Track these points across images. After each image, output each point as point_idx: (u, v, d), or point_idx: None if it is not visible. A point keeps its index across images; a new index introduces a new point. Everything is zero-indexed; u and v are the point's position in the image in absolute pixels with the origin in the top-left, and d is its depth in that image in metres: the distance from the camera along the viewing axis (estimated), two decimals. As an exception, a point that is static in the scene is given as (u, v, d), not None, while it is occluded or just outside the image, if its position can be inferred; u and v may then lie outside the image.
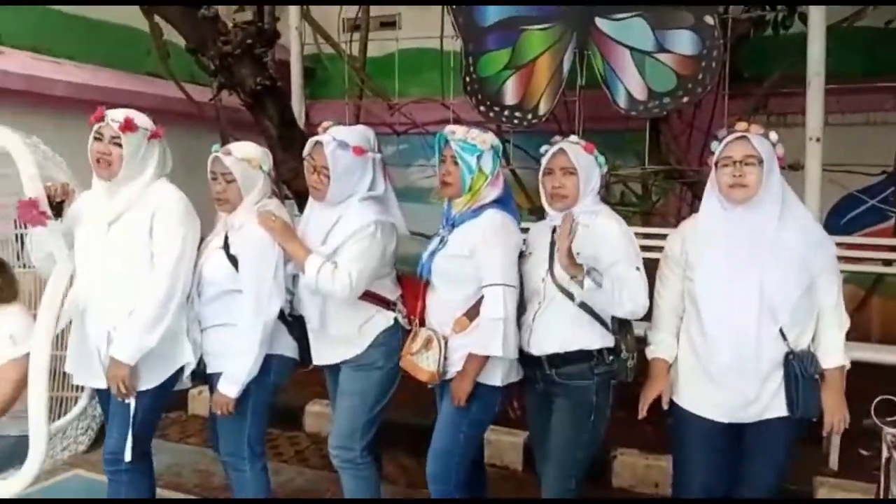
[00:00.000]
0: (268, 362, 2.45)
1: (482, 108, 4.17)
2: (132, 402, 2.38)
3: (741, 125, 2.19)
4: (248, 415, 2.48)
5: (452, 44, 4.46)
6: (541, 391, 2.44)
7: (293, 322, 2.54)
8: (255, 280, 2.38)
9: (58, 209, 2.41)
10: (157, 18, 4.42)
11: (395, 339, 2.51)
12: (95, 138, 2.38)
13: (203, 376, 2.58)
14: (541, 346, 2.37)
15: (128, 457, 2.40)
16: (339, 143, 2.39)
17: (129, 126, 2.36)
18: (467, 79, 4.19)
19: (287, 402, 3.66)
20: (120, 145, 2.36)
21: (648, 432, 3.63)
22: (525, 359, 2.44)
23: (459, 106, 4.44)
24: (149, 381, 2.43)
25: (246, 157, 2.46)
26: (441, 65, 4.48)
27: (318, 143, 2.42)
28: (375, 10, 5.31)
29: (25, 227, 2.76)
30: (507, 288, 2.32)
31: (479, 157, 2.39)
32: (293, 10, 4.67)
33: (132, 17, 5.11)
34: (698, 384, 2.27)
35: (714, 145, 2.23)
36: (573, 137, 2.42)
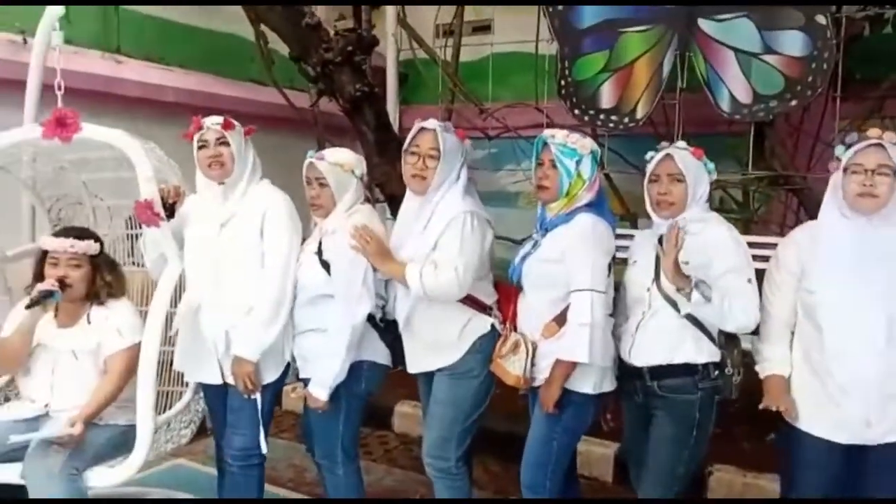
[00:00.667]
0: (359, 368, 2.47)
1: (577, 111, 4.10)
2: (258, 397, 2.46)
3: (874, 132, 2.06)
4: (341, 419, 2.52)
5: (547, 47, 4.43)
6: (640, 403, 2.38)
7: (385, 327, 2.56)
8: (345, 285, 2.42)
9: (170, 210, 2.52)
10: (262, 27, 4.57)
11: (491, 345, 2.48)
12: (200, 147, 2.50)
13: (297, 378, 2.64)
14: (643, 356, 2.31)
15: (264, 449, 2.50)
16: (443, 126, 2.45)
17: (229, 124, 2.50)
18: (562, 82, 4.14)
19: (376, 402, 3.71)
20: (227, 143, 2.47)
21: (746, 449, 3.48)
22: (624, 369, 2.38)
23: (553, 110, 4.39)
24: (269, 376, 2.52)
25: (339, 161, 2.51)
26: (535, 68, 4.44)
27: (422, 128, 2.46)
28: (469, 15, 5.32)
29: (140, 227, 2.94)
30: (596, 293, 2.27)
31: (578, 162, 2.36)
32: (390, 17, 4.75)
33: (237, 26, 5.34)
34: (815, 402, 2.15)
35: (840, 150, 2.11)
36: (680, 143, 2.35)
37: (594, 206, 2.38)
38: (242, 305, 2.46)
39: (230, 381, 2.50)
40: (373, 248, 2.41)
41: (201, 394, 2.72)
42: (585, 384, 2.32)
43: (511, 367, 2.37)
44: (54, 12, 2.68)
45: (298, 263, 2.50)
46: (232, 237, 2.48)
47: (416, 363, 2.56)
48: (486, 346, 2.49)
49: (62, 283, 2.44)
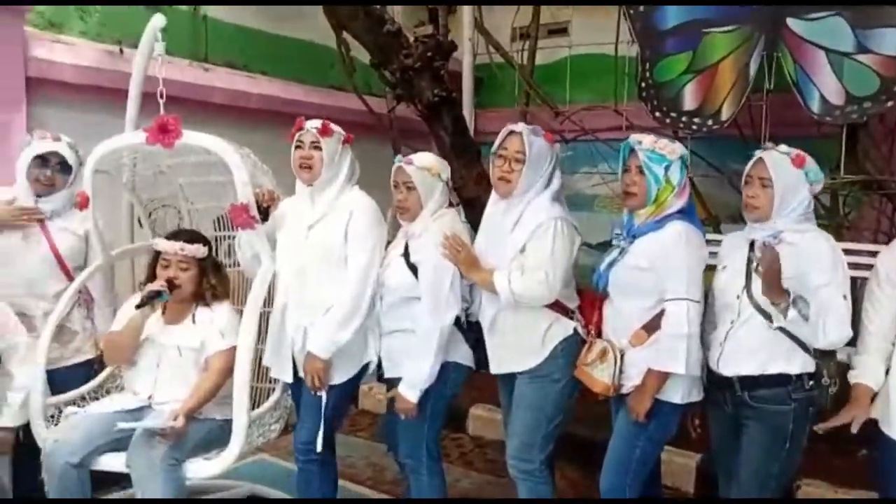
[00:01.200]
0: (445, 369, 2.50)
1: (658, 113, 4.04)
2: (324, 394, 2.53)
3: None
4: (427, 419, 2.55)
5: (627, 49, 4.38)
6: (729, 413, 2.33)
7: (468, 329, 2.59)
8: (433, 288, 2.45)
9: (264, 214, 2.62)
10: (345, 35, 4.67)
11: (573, 350, 2.48)
12: (297, 146, 2.58)
13: (381, 378, 2.69)
14: (732, 366, 2.26)
15: (318, 447, 2.56)
16: (532, 129, 2.46)
17: (326, 131, 2.56)
18: (643, 84, 4.09)
19: (452, 404, 3.75)
20: (319, 149, 2.55)
21: (837, 463, 3.36)
22: (712, 378, 2.34)
23: (633, 112, 4.34)
24: (339, 376, 2.57)
25: (426, 166, 2.55)
26: (615, 70, 4.40)
27: (511, 132, 2.48)
28: (545, 18, 5.31)
29: (227, 229, 3.06)
30: (692, 303, 2.24)
31: (666, 168, 2.33)
32: (466, 22, 4.77)
33: (318, 34, 5.47)
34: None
35: None
36: (782, 147, 2.28)
37: (685, 213, 2.35)
38: (323, 306, 2.53)
39: (302, 376, 2.58)
40: (463, 257, 2.45)
41: (289, 391, 2.80)
42: (674, 394, 2.30)
43: (599, 375, 2.36)
44: (156, 23, 2.82)
45: (385, 265, 2.56)
46: (318, 239, 2.55)
47: (498, 365, 2.57)
48: (569, 350, 2.48)
49: (171, 284, 2.57)
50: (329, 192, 2.58)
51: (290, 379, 2.61)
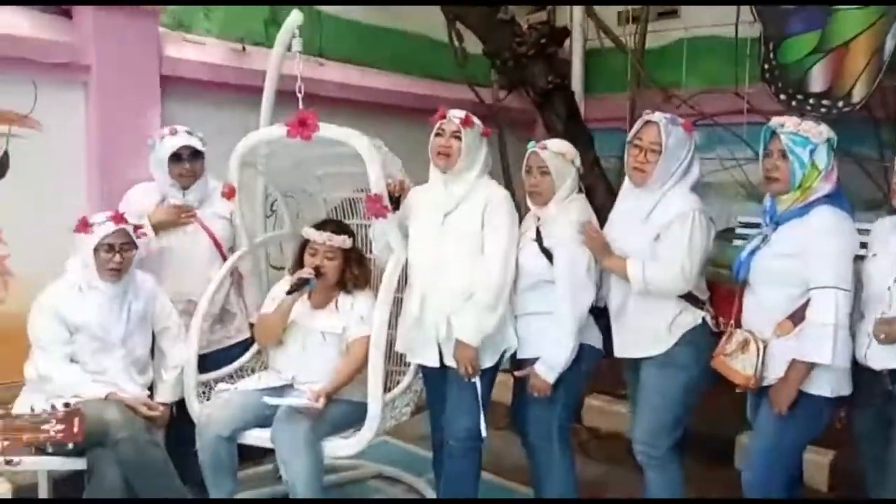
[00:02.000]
0: (579, 352, 2.52)
1: (783, 96, 3.90)
2: (477, 380, 2.58)
3: None
4: (560, 401, 2.58)
5: (748, 30, 4.22)
6: (878, 408, 2.24)
7: (598, 313, 2.60)
8: (569, 273, 2.47)
9: (396, 203, 2.70)
10: (458, 25, 4.71)
11: (702, 338, 2.46)
12: (437, 134, 2.64)
13: (513, 363, 2.72)
14: (882, 359, 2.18)
15: (484, 433, 2.61)
16: (670, 119, 2.43)
17: (468, 122, 2.61)
18: (766, 65, 3.95)
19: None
20: (459, 139, 2.59)
21: None
22: (860, 371, 2.25)
23: (754, 95, 4.19)
24: (488, 361, 2.63)
25: (561, 151, 2.59)
26: (736, 52, 4.26)
27: (647, 121, 2.46)
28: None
29: (366, 219, 3.15)
30: (840, 291, 2.16)
31: (812, 151, 2.26)
32: (577, 7, 4.71)
33: (426, 26, 5.55)
34: None
35: None
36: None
37: (833, 198, 2.27)
38: (462, 292, 2.58)
39: (448, 363, 2.63)
40: (598, 243, 2.47)
41: (420, 375, 2.87)
42: (822, 387, 2.23)
43: (739, 366, 2.32)
44: (294, 20, 2.93)
45: (518, 249, 2.59)
46: (455, 227, 2.60)
47: (623, 349, 2.58)
48: (697, 339, 2.46)
49: (318, 272, 2.70)
50: (464, 181, 2.62)
51: (436, 364, 2.66)
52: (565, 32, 4.12)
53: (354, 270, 2.80)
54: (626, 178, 2.54)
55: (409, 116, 5.02)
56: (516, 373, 2.66)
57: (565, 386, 2.56)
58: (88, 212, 3.81)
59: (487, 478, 3.42)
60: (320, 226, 2.82)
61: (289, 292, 2.68)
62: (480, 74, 5.47)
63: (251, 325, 3.06)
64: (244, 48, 4.54)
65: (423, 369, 2.79)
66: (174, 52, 4.18)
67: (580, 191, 2.66)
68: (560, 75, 3.98)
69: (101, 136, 3.87)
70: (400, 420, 2.88)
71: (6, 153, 3.68)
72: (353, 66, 5.20)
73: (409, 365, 2.87)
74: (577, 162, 2.62)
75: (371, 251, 2.98)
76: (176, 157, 2.96)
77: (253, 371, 3.04)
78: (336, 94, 4.90)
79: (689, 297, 2.46)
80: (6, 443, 1.76)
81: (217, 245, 3.03)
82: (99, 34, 3.79)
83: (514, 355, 2.69)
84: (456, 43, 4.90)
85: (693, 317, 2.47)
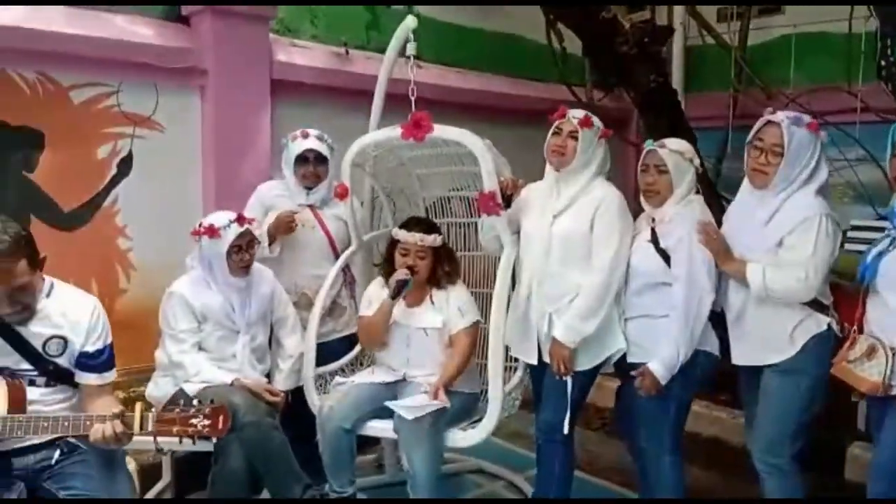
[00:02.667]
0: (695, 357, 2.48)
1: (902, 94, 3.71)
2: (569, 380, 2.60)
3: None
4: (673, 406, 2.56)
5: (861, 25, 4.06)
6: None
7: (715, 318, 2.55)
8: (689, 274, 2.44)
9: (507, 201, 2.73)
10: (559, 26, 4.72)
11: (826, 345, 2.39)
12: (554, 133, 2.66)
13: (618, 367, 2.70)
14: None
15: (566, 430, 2.64)
16: (793, 119, 2.36)
17: (586, 122, 2.61)
18: (882, 62, 3.76)
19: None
20: (576, 139, 2.60)
21: None
22: None
23: (868, 93, 4.02)
24: (584, 364, 2.63)
25: (679, 149, 2.56)
26: (849, 49, 4.10)
27: (768, 122, 2.40)
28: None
29: (470, 216, 3.22)
30: None
31: (947, 151, 2.16)
32: (678, 5, 4.63)
33: (520, 26, 5.58)
34: None
35: None
36: None
37: (970, 199, 2.17)
38: (567, 293, 2.59)
39: (546, 360, 2.65)
40: (718, 245, 2.42)
41: (529, 371, 2.90)
42: None
43: (866, 373, 2.24)
44: (409, 24, 3.02)
45: (632, 251, 2.57)
46: (564, 227, 2.61)
47: (743, 356, 2.52)
48: (821, 346, 2.39)
49: (411, 271, 2.78)
50: (577, 181, 2.63)
51: (534, 362, 2.70)
52: (669, 31, 4.07)
53: (446, 267, 2.86)
54: (746, 180, 2.49)
55: (506, 117, 5.07)
56: (633, 372, 2.63)
57: (679, 390, 2.53)
58: (204, 208, 4.07)
59: (583, 476, 3.43)
60: (408, 226, 2.86)
61: (393, 297, 2.74)
62: (574, 74, 5.46)
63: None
64: (347, 52, 4.68)
65: (529, 364, 2.82)
66: (283, 57, 4.36)
67: (698, 191, 2.62)
68: (665, 74, 3.92)
69: (216, 136, 4.08)
70: (511, 412, 2.92)
71: (130, 153, 3.93)
72: (450, 68, 5.28)
73: (517, 359, 2.90)
74: (696, 161, 2.58)
75: (463, 248, 3.07)
76: (303, 160, 3.11)
77: (363, 364, 3.16)
78: (433, 97, 4.98)
79: (814, 303, 2.40)
80: (159, 434, 1.90)
81: (332, 243, 3.16)
82: (216, 40, 4.00)
83: (620, 358, 2.67)
84: (555, 43, 4.90)
85: (817, 323, 2.40)
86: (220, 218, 2.76)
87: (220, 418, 1.91)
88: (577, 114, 2.64)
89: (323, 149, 3.15)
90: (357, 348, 3.16)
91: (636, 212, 2.72)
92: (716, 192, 3.87)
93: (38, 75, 3.59)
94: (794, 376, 2.41)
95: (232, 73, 4.08)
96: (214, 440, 1.93)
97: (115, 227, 3.90)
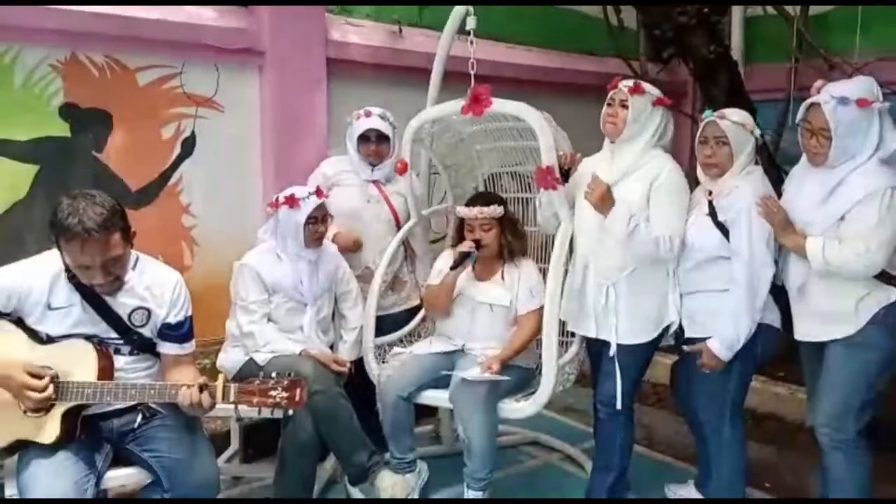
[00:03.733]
0: (756, 331, 2.46)
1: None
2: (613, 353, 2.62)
3: None
4: (733, 380, 2.55)
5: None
6: None
7: (777, 292, 2.52)
8: (749, 247, 2.41)
9: (565, 175, 2.74)
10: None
11: None
12: (608, 104, 2.65)
13: (678, 341, 2.70)
14: None
15: (618, 404, 2.66)
16: (838, 99, 2.28)
17: (636, 90, 2.59)
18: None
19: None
20: (626, 107, 2.59)
21: None
22: None
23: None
24: (641, 337, 2.64)
25: (741, 121, 2.52)
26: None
27: (812, 104, 2.35)
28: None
29: (527, 191, 3.23)
30: None
31: None
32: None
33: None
34: None
35: None
36: None
37: None
38: (625, 266, 2.59)
39: (602, 336, 2.67)
40: (778, 218, 2.39)
41: (584, 344, 2.92)
42: None
43: None
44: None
45: (688, 224, 2.56)
46: (618, 198, 2.59)
47: (806, 331, 2.49)
48: (891, 317, 2.34)
49: (477, 244, 2.82)
50: (630, 151, 2.61)
51: (592, 335, 2.72)
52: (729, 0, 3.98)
53: (509, 237, 2.89)
54: (805, 154, 2.45)
55: (559, 91, 5.04)
56: (686, 348, 2.63)
57: (740, 365, 2.52)
58: (263, 185, 4.17)
59: (640, 450, 3.45)
60: (470, 202, 2.92)
61: (452, 267, 2.80)
62: (628, 47, 5.37)
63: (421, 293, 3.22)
64: (400, 30, 4.70)
65: (586, 339, 2.84)
66: (338, 36, 4.41)
67: (757, 163, 2.59)
68: (725, 45, 3.84)
69: (274, 116, 4.16)
70: (565, 386, 2.94)
71: (193, 133, 4.04)
72: (502, 43, 5.26)
73: (574, 334, 2.92)
74: (757, 132, 2.54)
75: (525, 224, 3.08)
76: (364, 139, 3.16)
77: (421, 336, 3.22)
78: (487, 72, 4.96)
79: (882, 275, 2.34)
80: (239, 403, 1.99)
81: (396, 218, 3.22)
82: (273, 21, 4.07)
83: (677, 333, 2.67)
84: (612, 16, 4.82)
85: (885, 294, 2.34)
86: (299, 189, 2.84)
87: (298, 391, 1.99)
88: (627, 83, 2.63)
89: (384, 127, 3.19)
90: (415, 320, 3.22)
91: (692, 185, 2.70)
92: (775, 163, 3.79)
93: (106, 58, 3.71)
94: (861, 349, 2.37)
95: (289, 53, 4.15)
96: (292, 411, 2.01)
97: (180, 205, 4.03)
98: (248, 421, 3.17)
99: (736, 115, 2.54)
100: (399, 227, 3.23)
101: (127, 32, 3.65)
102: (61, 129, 3.65)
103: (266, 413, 2.02)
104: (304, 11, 4.18)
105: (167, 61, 3.89)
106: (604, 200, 2.50)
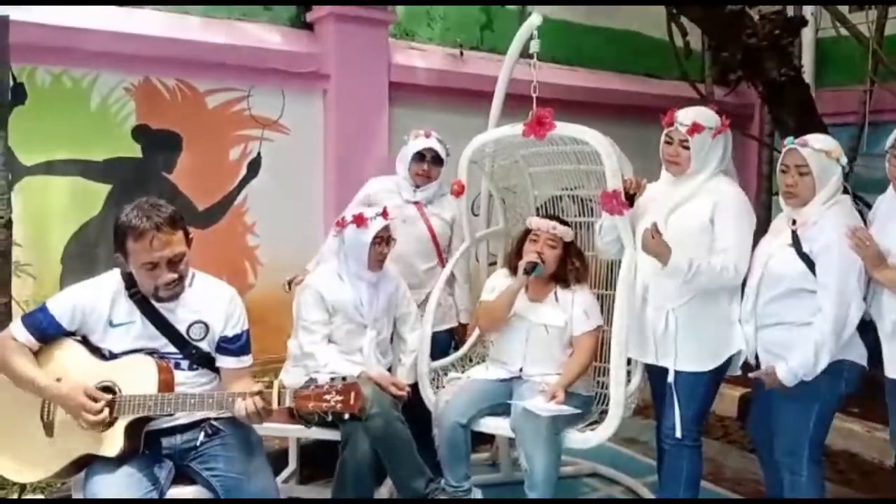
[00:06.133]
0: (839, 368, 2.35)
1: None
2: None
3: None
4: (814, 416, 2.41)
5: None
6: None
7: (863, 326, 2.38)
8: (837, 280, 2.29)
9: (630, 200, 2.67)
10: (682, 20, 4.59)
11: None
12: (666, 142, 2.60)
13: (745, 373, 2.58)
14: None
15: (678, 433, 2.57)
16: None
17: (695, 129, 2.52)
18: None
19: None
20: (687, 147, 2.53)
21: None
22: None
23: None
24: (706, 364, 2.55)
25: (824, 148, 2.39)
26: None
27: None
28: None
29: (589, 216, 3.18)
30: None
31: None
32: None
33: (636, 22, 5.46)
34: None
35: None
36: None
37: None
38: (687, 291, 2.51)
39: (662, 363, 2.59)
40: (871, 251, 2.27)
41: (645, 373, 2.83)
42: None
43: None
44: (533, 21, 3.00)
45: (768, 255, 2.46)
46: (678, 224, 2.53)
47: None
48: None
49: (539, 258, 2.78)
50: (696, 180, 2.56)
51: (652, 361, 2.64)
52: (802, 22, 3.85)
53: (576, 262, 2.85)
54: (893, 184, 2.34)
55: (621, 115, 4.97)
56: (751, 374, 2.52)
57: (822, 402, 2.40)
58: (324, 207, 4.23)
59: (706, 486, 3.30)
60: (544, 216, 2.90)
61: (524, 273, 2.76)
62: (692, 70, 5.28)
63: (458, 316, 3.26)
64: (462, 53, 4.74)
65: (647, 366, 2.75)
66: (401, 60, 4.47)
67: (846, 191, 2.46)
68: (797, 67, 3.73)
69: (337, 138, 4.23)
70: (626, 415, 2.83)
71: (259, 154, 4.14)
72: (562, 66, 5.23)
73: (634, 362, 2.84)
74: (844, 160, 2.41)
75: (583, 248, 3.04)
76: (420, 157, 3.17)
77: (472, 360, 3.19)
78: (547, 95, 4.94)
79: None
80: (296, 407, 1.99)
81: (434, 239, 3.22)
82: (338, 45, 4.15)
83: (748, 364, 2.56)
84: (678, 38, 4.75)
85: None
86: (367, 210, 2.86)
87: (353, 394, 1.97)
88: (685, 119, 2.54)
89: (440, 150, 3.21)
90: (466, 346, 3.20)
91: (757, 211, 2.60)
92: (846, 190, 3.65)
93: (177, 81, 3.85)
94: None
95: (352, 76, 4.22)
96: (347, 415, 1.98)
97: (244, 225, 4.12)
98: (305, 441, 3.17)
99: (819, 142, 2.41)
100: (438, 248, 3.23)
101: (197, 57, 3.78)
102: (133, 150, 3.79)
103: (323, 434, 1.99)
104: (368, 35, 4.25)
105: (235, 84, 4.00)
106: (660, 252, 2.46)
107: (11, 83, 3.36)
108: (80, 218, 3.64)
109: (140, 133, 3.79)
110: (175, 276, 2.08)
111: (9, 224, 2.90)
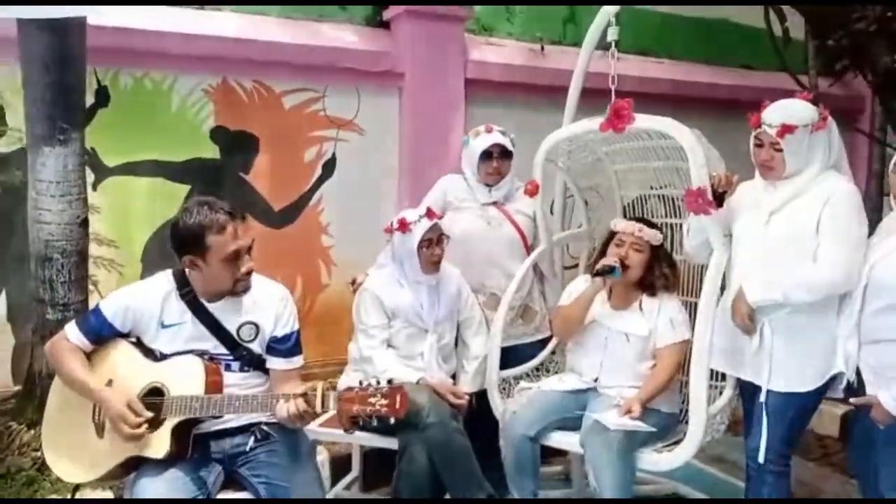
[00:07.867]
0: None
1: None
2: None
3: None
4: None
5: None
6: None
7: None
8: None
9: (719, 199, 2.44)
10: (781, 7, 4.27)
11: None
12: (756, 144, 2.37)
13: (849, 394, 2.30)
14: None
15: (761, 458, 2.35)
16: None
17: (786, 130, 2.28)
18: None
19: None
20: (780, 150, 2.29)
21: None
22: None
23: None
24: (805, 384, 2.31)
25: None
26: None
27: None
28: None
29: (676, 217, 2.95)
30: None
31: None
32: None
33: (728, 11, 5.13)
34: None
35: None
36: None
37: None
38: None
39: (755, 380, 2.37)
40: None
41: (738, 390, 2.60)
42: None
43: None
44: (609, 9, 2.82)
45: (876, 261, 2.18)
46: (781, 227, 2.30)
47: None
48: None
49: (622, 263, 2.58)
50: (798, 178, 2.31)
51: (745, 376, 2.42)
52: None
53: (665, 269, 2.64)
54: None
55: (713, 109, 4.68)
56: (852, 400, 2.25)
57: None
58: (399, 207, 4.16)
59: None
60: (631, 218, 2.70)
61: (593, 276, 2.58)
62: (793, 60, 4.90)
63: (551, 323, 3.02)
64: (542, 48, 4.57)
65: (741, 381, 2.52)
66: (478, 56, 4.34)
67: None
68: (905, 53, 3.38)
69: (412, 137, 4.16)
70: (714, 436, 2.61)
71: (334, 155, 4.12)
72: (647, 57, 4.98)
73: (724, 376, 2.60)
74: None
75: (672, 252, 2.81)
76: (487, 155, 3.02)
77: (549, 371, 3.01)
78: (631, 88, 4.70)
79: None
80: (340, 411, 1.90)
81: (523, 239, 3.04)
82: (413, 43, 4.08)
83: (850, 387, 2.28)
84: (776, 25, 4.39)
85: None
86: (410, 213, 2.75)
87: (398, 398, 1.87)
88: (772, 120, 2.30)
89: (507, 143, 3.04)
90: (545, 352, 3.02)
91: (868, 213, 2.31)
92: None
93: (254, 83, 3.87)
94: None
95: (428, 74, 4.14)
96: (393, 420, 1.88)
97: (319, 226, 4.11)
98: (369, 448, 3.09)
99: None
100: (527, 247, 3.04)
101: (274, 57, 3.78)
102: (211, 151, 3.84)
103: (380, 441, 1.88)
104: (444, 32, 4.16)
105: (311, 85, 3.99)
106: (746, 329, 2.33)
107: (95, 86, 3.49)
108: (160, 218, 3.71)
109: (218, 134, 3.84)
110: (250, 264, 2.07)
111: (85, 223, 2.97)
